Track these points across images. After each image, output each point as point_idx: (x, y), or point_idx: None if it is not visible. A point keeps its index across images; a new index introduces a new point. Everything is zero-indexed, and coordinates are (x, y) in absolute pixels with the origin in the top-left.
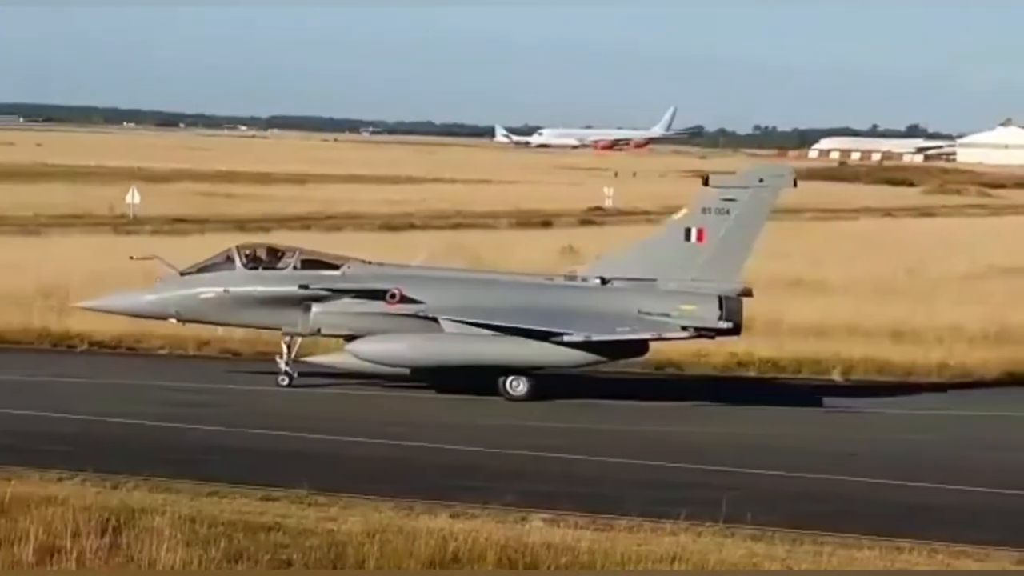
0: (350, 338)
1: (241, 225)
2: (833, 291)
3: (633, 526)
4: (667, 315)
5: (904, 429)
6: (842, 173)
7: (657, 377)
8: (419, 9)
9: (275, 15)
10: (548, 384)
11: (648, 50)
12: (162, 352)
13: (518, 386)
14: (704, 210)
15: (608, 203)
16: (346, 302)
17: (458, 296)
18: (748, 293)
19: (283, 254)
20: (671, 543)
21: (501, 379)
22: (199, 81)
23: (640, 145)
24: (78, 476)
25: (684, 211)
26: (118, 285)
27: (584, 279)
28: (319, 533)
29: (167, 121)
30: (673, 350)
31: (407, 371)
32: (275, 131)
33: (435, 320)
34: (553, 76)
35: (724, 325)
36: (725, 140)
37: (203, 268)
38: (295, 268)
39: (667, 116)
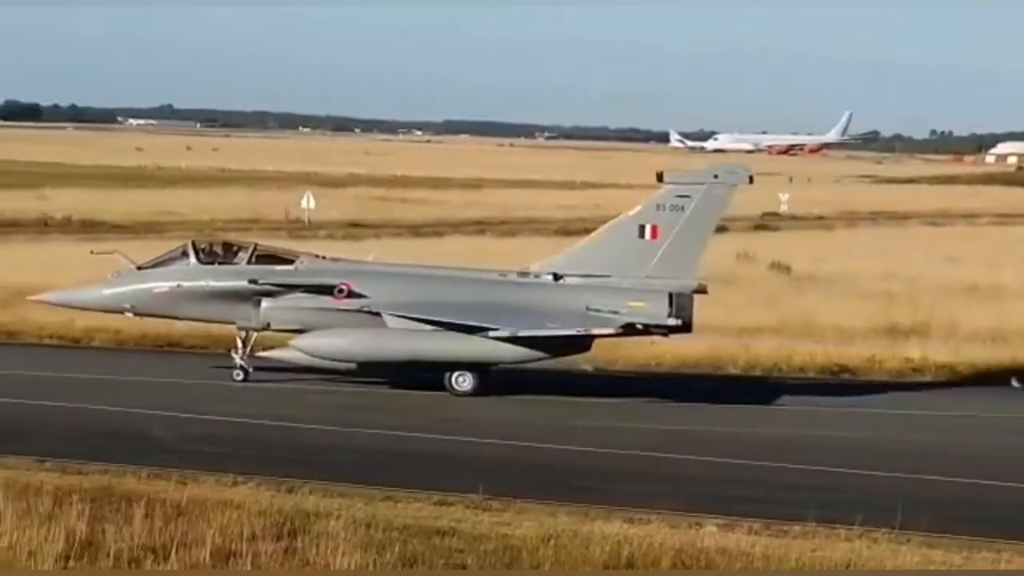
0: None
1: (416, 230)
2: (1011, 296)
3: (808, 531)
4: (616, 312)
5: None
6: (1019, 178)
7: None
8: (597, 10)
9: (450, 17)
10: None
11: (825, 54)
12: None
13: (464, 382)
14: (658, 207)
15: (783, 208)
16: (295, 297)
17: (402, 291)
18: (703, 290)
19: (238, 249)
20: (846, 549)
21: (447, 374)
22: (374, 86)
23: (815, 150)
24: (253, 480)
25: (639, 208)
26: None
27: (537, 275)
28: (493, 538)
29: (342, 126)
30: (847, 356)
31: (353, 366)
32: (465, 136)
33: (379, 315)
34: (729, 81)
35: (673, 322)
36: (901, 145)
37: (159, 263)
38: (248, 263)
39: (843, 121)
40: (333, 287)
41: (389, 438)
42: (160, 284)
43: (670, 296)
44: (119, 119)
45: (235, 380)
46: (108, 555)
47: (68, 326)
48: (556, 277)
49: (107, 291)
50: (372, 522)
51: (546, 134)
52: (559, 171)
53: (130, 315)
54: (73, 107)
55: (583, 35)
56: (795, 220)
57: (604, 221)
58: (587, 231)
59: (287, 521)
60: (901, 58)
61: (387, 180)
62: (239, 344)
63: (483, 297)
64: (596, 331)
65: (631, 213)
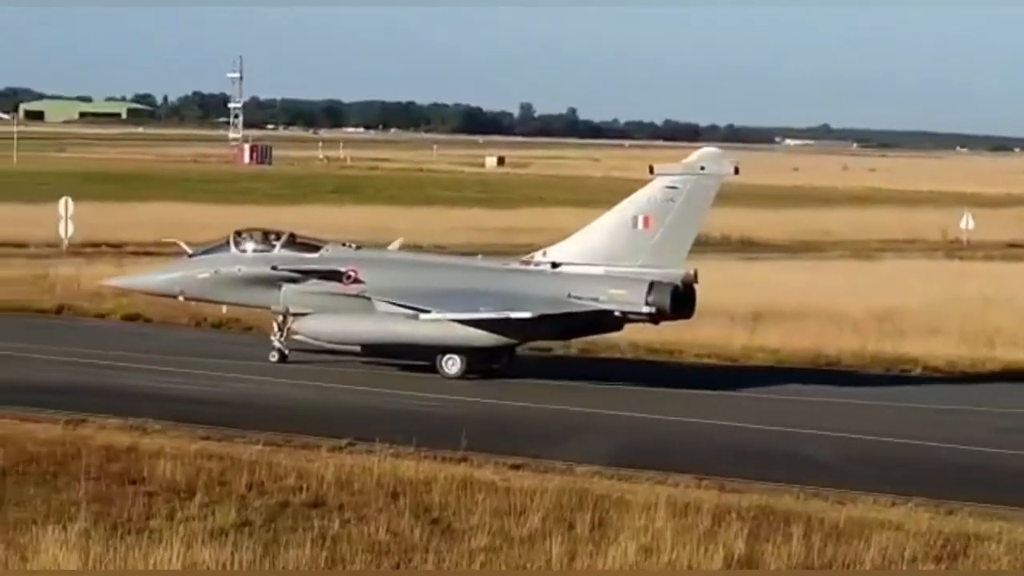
0: None
1: None
2: None
3: None
4: (596, 299)
5: None
6: None
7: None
8: None
9: None
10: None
11: None
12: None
13: (452, 365)
14: (649, 198)
15: None
16: (312, 282)
17: (395, 278)
18: (692, 279)
19: (275, 237)
20: None
21: (438, 357)
22: None
23: None
24: (911, 501)
25: (632, 198)
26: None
27: (537, 264)
28: None
29: (1000, 146)
30: None
31: (357, 348)
32: None
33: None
34: None
35: (647, 310)
36: None
37: (206, 250)
38: (279, 250)
39: None
40: (343, 273)
41: None
42: (203, 271)
43: (649, 284)
44: (776, 139)
45: (270, 361)
46: None
47: (726, 346)
48: (555, 265)
49: (161, 277)
50: None
51: None
52: None
53: (182, 299)
54: (730, 127)
55: None
56: None
57: None
58: None
59: (947, 543)
60: None
61: None
62: (275, 327)
63: (467, 284)
64: (515, 315)
65: (625, 203)
